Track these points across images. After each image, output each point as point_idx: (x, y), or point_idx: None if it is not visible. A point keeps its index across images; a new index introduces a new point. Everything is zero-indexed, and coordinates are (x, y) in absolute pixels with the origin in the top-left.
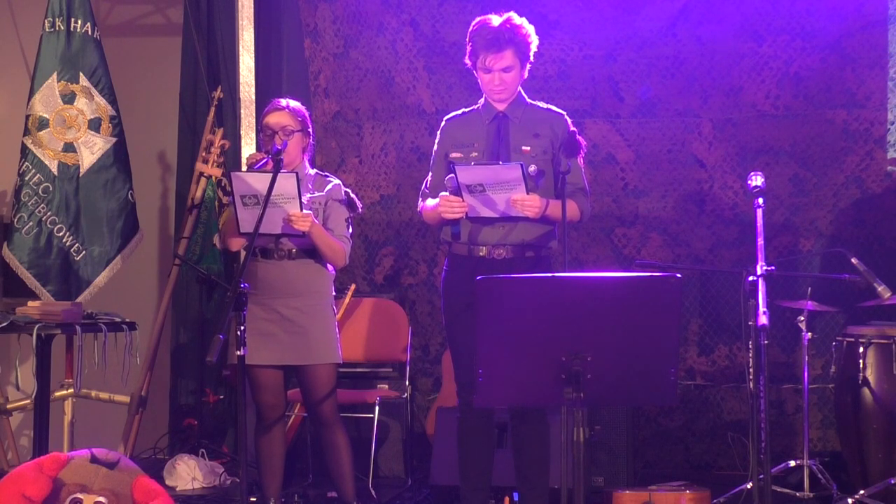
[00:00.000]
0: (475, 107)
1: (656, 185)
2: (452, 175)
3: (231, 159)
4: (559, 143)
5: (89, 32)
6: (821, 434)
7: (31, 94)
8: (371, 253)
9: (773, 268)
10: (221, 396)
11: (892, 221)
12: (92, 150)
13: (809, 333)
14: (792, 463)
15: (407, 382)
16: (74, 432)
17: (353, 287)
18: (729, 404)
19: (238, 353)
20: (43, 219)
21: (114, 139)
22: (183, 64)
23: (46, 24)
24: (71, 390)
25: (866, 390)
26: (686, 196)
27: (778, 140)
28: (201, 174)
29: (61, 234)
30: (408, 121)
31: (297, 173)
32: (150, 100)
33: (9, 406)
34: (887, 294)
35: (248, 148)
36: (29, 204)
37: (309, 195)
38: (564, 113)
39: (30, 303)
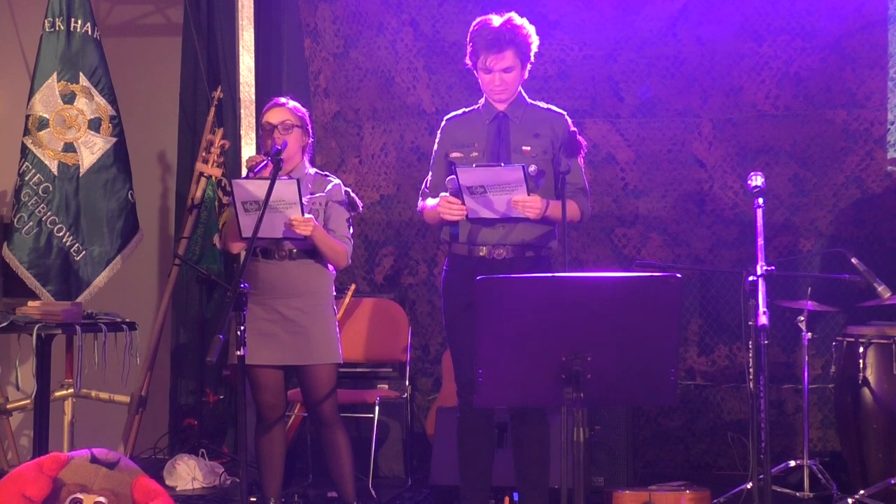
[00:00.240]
0: (475, 107)
1: (656, 185)
2: (453, 176)
3: (231, 159)
4: (559, 143)
5: (89, 32)
6: (821, 434)
7: (31, 94)
8: (371, 253)
9: (773, 268)
10: (221, 396)
11: (892, 221)
12: (92, 150)
13: (809, 333)
14: (792, 463)
15: (407, 382)
16: (74, 432)
17: (353, 287)
18: (729, 404)
19: (238, 353)
20: (43, 219)
21: (114, 139)
22: (183, 64)
23: (46, 24)
24: (71, 390)
25: (866, 390)
26: (686, 196)
27: (778, 140)
28: (201, 174)
29: (61, 234)
30: (408, 121)
31: (297, 180)
32: (150, 100)
33: (9, 406)
34: (887, 294)
35: (248, 148)
36: (29, 204)
37: (309, 195)
38: (565, 113)
39: (30, 303)
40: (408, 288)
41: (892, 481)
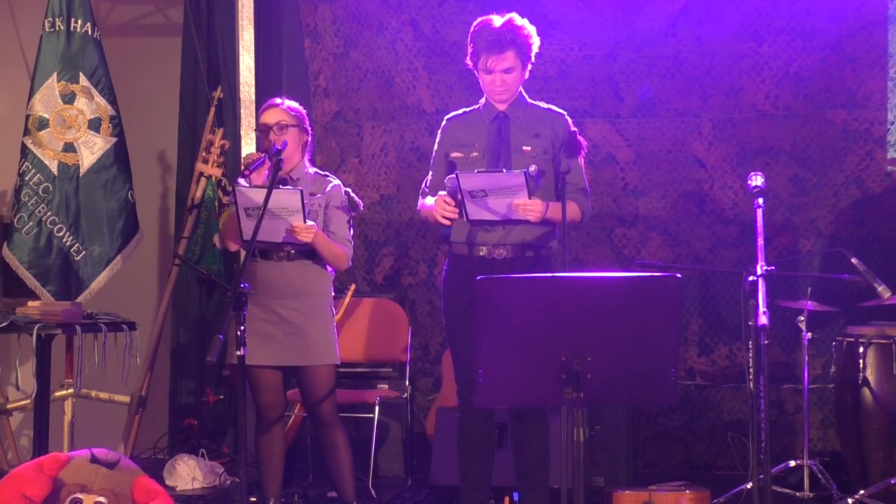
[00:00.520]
0: (476, 107)
1: (656, 185)
2: (452, 176)
3: (231, 159)
4: (560, 143)
5: (89, 32)
6: (821, 434)
7: (31, 94)
8: (371, 253)
9: (773, 268)
10: (221, 396)
11: (892, 221)
12: (92, 150)
13: (809, 333)
14: (792, 463)
15: (407, 382)
16: (74, 432)
17: (353, 287)
18: (729, 404)
19: (238, 353)
20: (43, 219)
21: (114, 139)
22: (183, 64)
23: (46, 24)
24: (71, 390)
25: (866, 390)
26: (686, 196)
27: (778, 140)
28: (201, 174)
29: (61, 234)
30: (408, 121)
31: (301, 190)
32: (150, 100)
33: (9, 406)
34: (887, 294)
35: (248, 148)
36: (29, 204)
37: (308, 196)
38: (565, 113)
39: (30, 303)
40: (408, 288)
41: (892, 481)
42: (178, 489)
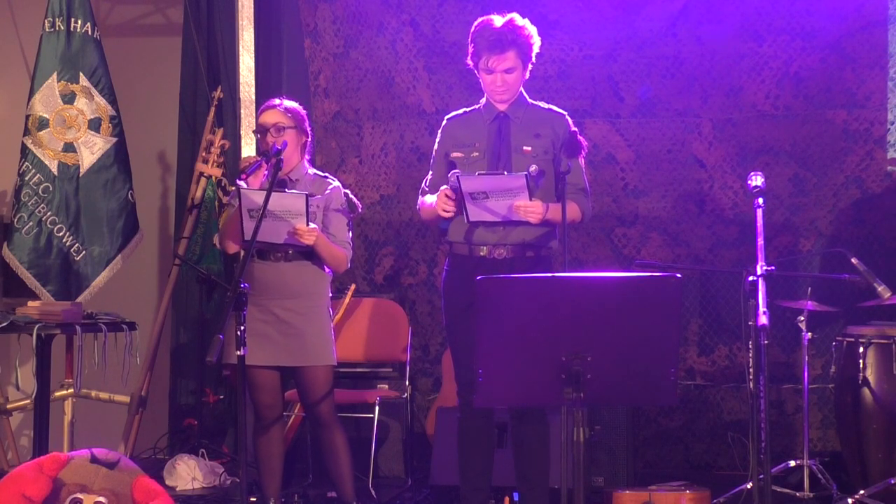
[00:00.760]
0: (476, 107)
1: (656, 185)
2: (456, 171)
3: (231, 159)
4: (560, 143)
5: (89, 32)
6: (821, 434)
7: (31, 94)
8: (371, 253)
9: (773, 268)
10: (221, 396)
11: (892, 221)
12: (92, 150)
13: (809, 333)
14: (792, 463)
15: (407, 382)
16: (74, 432)
17: (353, 287)
18: (729, 404)
19: (238, 353)
20: (43, 219)
21: (114, 139)
22: (183, 64)
23: (46, 24)
24: (71, 390)
25: (866, 390)
26: (686, 196)
27: (778, 140)
28: (201, 174)
29: (61, 234)
30: (408, 121)
31: (307, 195)
32: (150, 100)
33: (9, 406)
34: (887, 294)
35: (248, 148)
36: (29, 204)
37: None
38: (566, 113)
39: (30, 303)
40: (408, 288)
41: (892, 481)
42: (178, 489)
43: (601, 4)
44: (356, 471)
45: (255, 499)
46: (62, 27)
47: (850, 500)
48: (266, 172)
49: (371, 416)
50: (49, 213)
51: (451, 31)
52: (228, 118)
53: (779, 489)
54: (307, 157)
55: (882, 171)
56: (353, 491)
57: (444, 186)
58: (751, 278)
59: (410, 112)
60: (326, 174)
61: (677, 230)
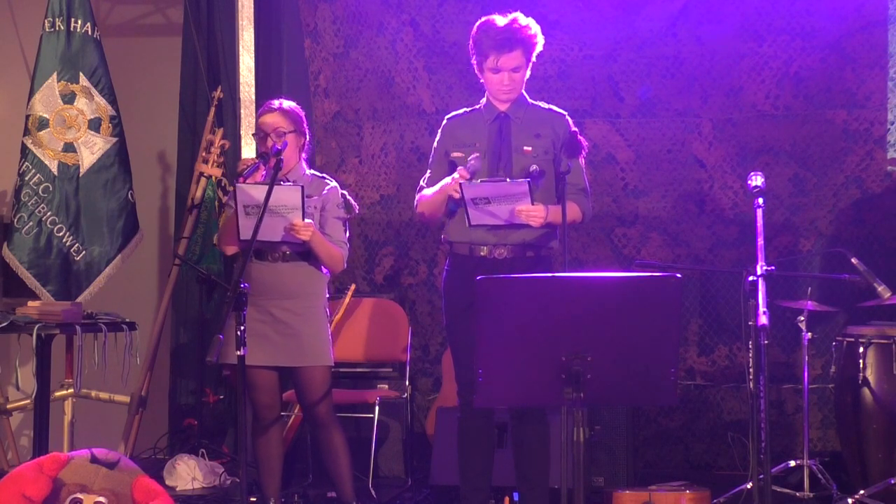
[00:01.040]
0: (477, 107)
1: (656, 185)
2: (477, 154)
3: (231, 159)
4: (560, 143)
5: (89, 32)
6: (821, 434)
7: (31, 94)
8: (371, 253)
9: (773, 268)
10: (221, 396)
11: (892, 221)
12: (92, 150)
13: (809, 333)
14: (792, 463)
15: (407, 382)
16: (74, 432)
17: (353, 287)
18: (729, 404)
19: (238, 353)
20: (43, 219)
21: (114, 139)
22: (183, 64)
23: (46, 24)
24: (71, 390)
25: (866, 390)
26: (686, 196)
27: (778, 140)
28: (201, 174)
29: (61, 234)
30: (408, 121)
31: (302, 187)
32: (150, 100)
33: (9, 406)
34: (887, 294)
35: (248, 148)
36: (29, 204)
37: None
38: (566, 113)
39: (30, 303)
40: (408, 288)
41: (892, 481)
42: (178, 489)
43: (601, 4)
44: (356, 471)
45: (255, 499)
46: (62, 27)
47: (850, 500)
48: (264, 174)
49: (371, 416)
50: (49, 213)
51: (451, 31)
52: (228, 118)
53: (779, 489)
54: (304, 157)
55: (882, 171)
56: (352, 491)
57: (462, 168)
58: (751, 278)
59: (410, 112)
60: (324, 175)
61: (677, 230)
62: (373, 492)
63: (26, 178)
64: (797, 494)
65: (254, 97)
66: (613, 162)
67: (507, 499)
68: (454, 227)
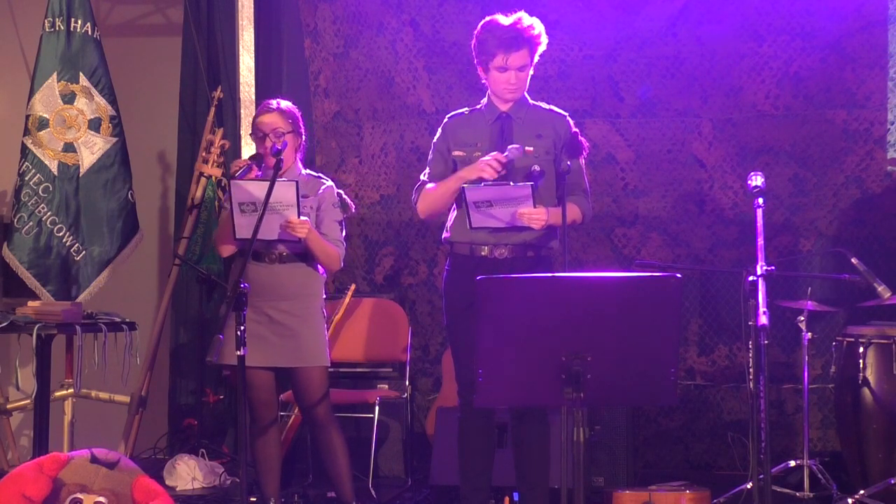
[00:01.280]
0: (478, 107)
1: (656, 185)
2: (516, 146)
3: (231, 159)
4: (561, 143)
5: (89, 32)
6: (821, 434)
7: (31, 94)
8: (371, 253)
9: (773, 268)
10: (221, 396)
11: (892, 221)
12: (92, 150)
13: (809, 333)
14: (792, 463)
15: (407, 382)
16: (74, 432)
17: (353, 287)
18: (729, 404)
19: (238, 353)
20: (43, 219)
21: (114, 139)
22: (183, 64)
23: (46, 24)
24: (71, 390)
25: (866, 390)
26: (686, 196)
27: (778, 140)
28: (201, 174)
29: (61, 234)
30: (408, 121)
31: (297, 182)
32: (150, 100)
33: (9, 406)
34: (887, 294)
35: (248, 148)
36: (29, 204)
37: (301, 198)
38: (567, 114)
39: (30, 303)
40: (408, 288)
41: (892, 481)
42: (178, 489)
43: (601, 4)
44: (356, 471)
45: (255, 499)
46: (62, 27)
47: (850, 500)
48: (258, 174)
49: (371, 416)
50: (49, 213)
51: (451, 31)
52: (228, 118)
53: (779, 489)
54: (300, 157)
55: (882, 171)
56: (351, 491)
57: (499, 154)
58: (751, 278)
59: (410, 112)
60: (319, 174)
61: (677, 230)
62: (373, 492)
63: (26, 178)
64: (797, 494)
65: (254, 97)
66: (613, 162)
67: (507, 499)
68: (455, 228)
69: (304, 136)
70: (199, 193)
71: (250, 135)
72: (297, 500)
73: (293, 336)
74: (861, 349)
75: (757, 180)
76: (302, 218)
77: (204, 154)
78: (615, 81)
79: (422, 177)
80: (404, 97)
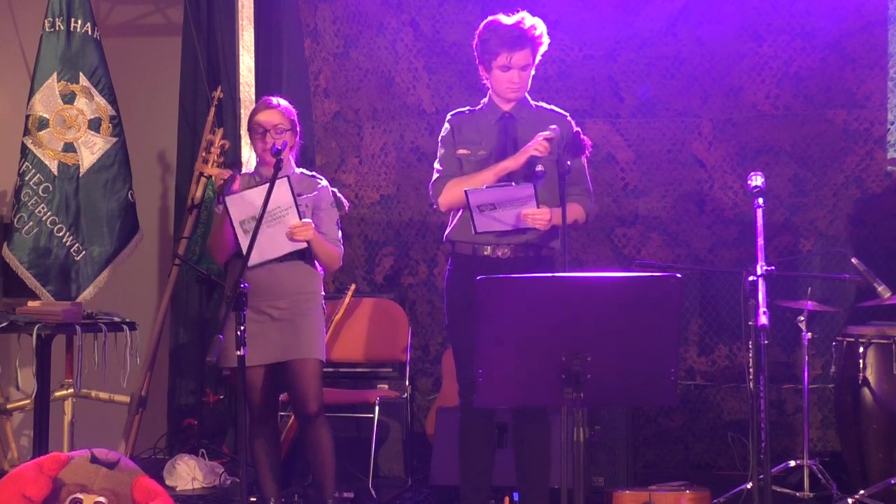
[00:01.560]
0: (479, 106)
1: (656, 185)
2: (555, 126)
3: (231, 159)
4: (564, 143)
5: (89, 32)
6: (821, 434)
7: (31, 94)
8: (371, 253)
9: (773, 268)
10: (221, 396)
11: (892, 221)
12: (92, 150)
13: (809, 333)
14: (792, 463)
15: (407, 382)
16: (74, 432)
17: (353, 287)
18: (729, 404)
19: (238, 353)
20: (43, 219)
21: (114, 139)
22: (183, 64)
23: (46, 24)
24: (71, 390)
25: (866, 390)
26: (686, 196)
27: (778, 140)
28: (201, 174)
29: (61, 234)
30: (408, 121)
31: (288, 177)
32: (150, 100)
33: (9, 406)
34: (887, 294)
35: (248, 148)
36: (29, 204)
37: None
38: (568, 114)
39: (30, 303)
40: (408, 288)
41: (892, 481)
42: (178, 489)
43: (601, 4)
44: (356, 471)
45: (255, 499)
46: (62, 27)
47: (850, 500)
48: (252, 173)
49: (371, 416)
50: (49, 213)
51: (451, 31)
52: (228, 118)
53: (779, 489)
54: (294, 156)
55: (882, 171)
56: (332, 490)
57: (543, 132)
58: (751, 278)
59: (410, 112)
60: (313, 173)
61: (677, 230)
62: (373, 492)
63: (26, 178)
64: (797, 494)
65: (254, 97)
66: (613, 162)
67: (507, 499)
68: (458, 228)
69: (299, 136)
70: (199, 193)
71: (249, 130)
72: (297, 500)
73: (291, 330)
74: (861, 349)
75: (757, 180)
76: (304, 220)
77: (204, 154)
78: (615, 81)
79: (435, 171)
80: (404, 97)
